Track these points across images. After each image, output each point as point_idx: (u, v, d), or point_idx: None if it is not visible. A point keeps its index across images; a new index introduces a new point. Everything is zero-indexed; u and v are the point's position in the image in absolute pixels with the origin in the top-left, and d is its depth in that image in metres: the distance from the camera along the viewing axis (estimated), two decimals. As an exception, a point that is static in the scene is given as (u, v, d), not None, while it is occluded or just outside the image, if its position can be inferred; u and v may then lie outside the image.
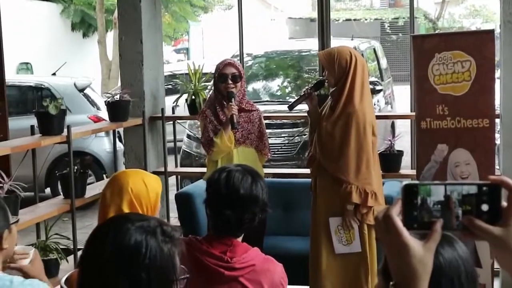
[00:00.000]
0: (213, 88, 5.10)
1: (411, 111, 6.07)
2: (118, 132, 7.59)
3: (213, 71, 5.25)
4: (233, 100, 4.84)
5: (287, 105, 4.99)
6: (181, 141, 8.22)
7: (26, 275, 2.55)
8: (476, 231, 1.27)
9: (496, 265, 5.01)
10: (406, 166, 6.15)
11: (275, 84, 9.42)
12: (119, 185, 2.87)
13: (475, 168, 4.86)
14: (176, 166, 6.83)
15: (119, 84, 7.69)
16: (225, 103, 4.89)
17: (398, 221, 1.27)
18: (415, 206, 1.28)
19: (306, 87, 4.85)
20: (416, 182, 1.30)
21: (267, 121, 7.58)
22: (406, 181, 1.31)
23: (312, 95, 4.70)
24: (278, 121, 7.73)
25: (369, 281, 4.55)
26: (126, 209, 2.80)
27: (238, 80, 4.92)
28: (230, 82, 4.88)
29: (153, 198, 2.88)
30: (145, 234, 1.75)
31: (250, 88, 9.09)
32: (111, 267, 1.73)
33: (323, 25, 6.20)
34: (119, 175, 3.01)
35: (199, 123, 5.24)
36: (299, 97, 4.84)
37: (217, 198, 2.91)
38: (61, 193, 5.47)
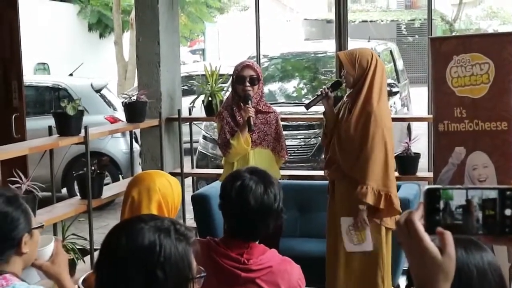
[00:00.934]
0: (230, 89, 5.10)
1: (428, 114, 6.04)
2: (135, 133, 7.61)
3: (229, 72, 5.24)
4: (249, 102, 4.84)
5: (304, 105, 4.98)
6: (197, 142, 8.24)
7: (46, 274, 2.47)
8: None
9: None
10: (423, 168, 6.12)
11: (291, 86, 9.41)
12: (146, 186, 2.87)
13: (493, 171, 4.84)
14: (193, 167, 6.83)
15: (135, 85, 7.72)
16: (242, 105, 4.89)
17: (420, 226, 1.26)
18: (437, 210, 1.27)
19: (323, 87, 4.83)
20: (439, 186, 1.29)
21: (283, 123, 7.59)
22: (428, 186, 1.30)
23: (329, 95, 4.69)
24: (294, 123, 7.72)
25: (385, 283, 4.54)
26: (154, 210, 2.80)
27: (256, 82, 4.91)
28: (247, 84, 4.87)
29: (177, 199, 2.90)
30: (159, 233, 1.78)
31: (266, 89, 9.07)
32: (127, 267, 1.75)
33: (340, 26, 6.18)
34: (143, 175, 3.02)
35: (215, 124, 5.23)
36: (316, 96, 4.81)
37: (228, 207, 2.91)
38: (78, 194, 5.49)
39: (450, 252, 1.25)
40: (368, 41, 10.23)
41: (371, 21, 25.75)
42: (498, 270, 1.56)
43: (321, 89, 4.76)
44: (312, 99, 4.91)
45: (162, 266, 1.74)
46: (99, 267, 1.82)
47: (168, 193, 2.87)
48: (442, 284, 1.25)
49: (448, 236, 1.25)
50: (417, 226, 1.26)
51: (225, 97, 5.78)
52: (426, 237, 1.26)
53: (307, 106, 4.87)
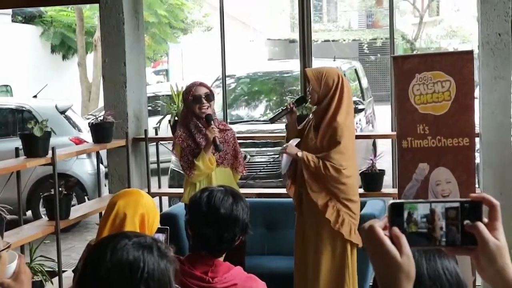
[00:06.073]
0: (185, 110, 5.07)
1: (392, 131, 6.14)
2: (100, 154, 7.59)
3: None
4: (212, 122, 4.88)
5: (269, 118, 5.10)
6: (163, 162, 8.24)
7: None
8: (479, 237, 1.31)
9: (478, 282, 5.07)
10: (388, 185, 6.21)
11: (259, 109, 9.51)
12: (135, 198, 2.93)
13: (456, 186, 4.93)
14: (160, 187, 6.83)
15: (100, 105, 7.71)
16: (201, 125, 4.91)
17: (380, 231, 1.32)
18: (402, 223, 1.33)
19: (289, 101, 4.96)
20: (403, 200, 1.34)
21: (250, 141, 7.64)
22: (392, 200, 1.35)
23: (293, 110, 4.82)
24: (262, 140, 7.78)
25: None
26: (137, 221, 2.85)
27: (212, 98, 4.99)
28: (204, 102, 4.92)
29: (157, 219, 2.96)
30: (142, 249, 1.83)
31: (233, 110, 9.15)
32: (111, 282, 1.78)
33: (304, 46, 6.26)
34: (132, 190, 3.17)
35: (173, 146, 5.14)
36: (281, 111, 4.97)
37: (197, 216, 2.98)
38: (43, 216, 5.46)
39: (407, 252, 1.31)
40: (334, 60, 10.35)
41: (333, 41, 26.01)
42: (456, 276, 1.57)
43: (286, 104, 4.91)
44: (277, 113, 5.05)
45: (146, 282, 1.78)
46: (81, 282, 1.84)
47: (151, 211, 2.94)
48: (404, 283, 1.30)
49: (403, 239, 1.31)
50: (377, 231, 1.32)
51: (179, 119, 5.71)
52: (386, 241, 1.31)
53: (272, 120, 5.03)
